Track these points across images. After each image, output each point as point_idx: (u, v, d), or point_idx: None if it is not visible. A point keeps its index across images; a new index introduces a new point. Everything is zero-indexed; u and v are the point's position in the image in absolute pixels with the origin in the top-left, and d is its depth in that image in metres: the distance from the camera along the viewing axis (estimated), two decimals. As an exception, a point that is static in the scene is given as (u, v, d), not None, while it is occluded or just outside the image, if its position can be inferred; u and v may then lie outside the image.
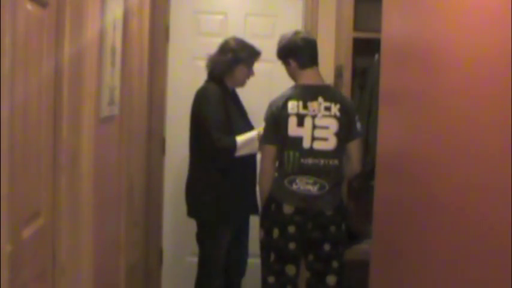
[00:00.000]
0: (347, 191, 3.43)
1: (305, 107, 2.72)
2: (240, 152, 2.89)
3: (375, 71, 3.08)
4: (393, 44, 2.16)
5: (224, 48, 3.04)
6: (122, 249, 2.60)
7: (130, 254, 2.79)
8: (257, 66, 3.14)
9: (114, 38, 2.25)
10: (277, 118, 2.74)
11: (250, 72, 3.08)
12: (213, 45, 3.09)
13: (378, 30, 2.31)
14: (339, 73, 3.47)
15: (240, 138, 2.89)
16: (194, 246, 3.12)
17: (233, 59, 3.00)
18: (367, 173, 3.03)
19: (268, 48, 3.19)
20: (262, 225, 2.82)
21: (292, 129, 2.72)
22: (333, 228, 2.74)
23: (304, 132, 2.71)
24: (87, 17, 1.86)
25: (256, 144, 2.90)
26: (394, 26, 2.16)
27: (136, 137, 2.98)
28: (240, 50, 3.02)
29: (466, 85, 1.42)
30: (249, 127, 3.06)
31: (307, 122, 2.71)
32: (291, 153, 2.72)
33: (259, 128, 2.90)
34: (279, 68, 3.17)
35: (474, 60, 1.37)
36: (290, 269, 2.76)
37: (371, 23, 3.28)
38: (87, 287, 1.94)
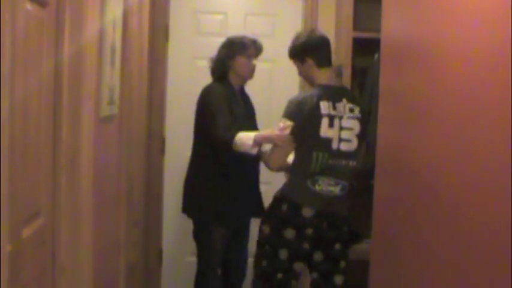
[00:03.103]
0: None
1: (334, 108, 2.71)
2: (236, 148, 2.77)
3: (374, 71, 3.07)
4: (393, 43, 2.16)
5: (220, 47, 3.05)
6: (122, 249, 2.60)
7: (130, 254, 2.79)
8: (257, 66, 3.13)
9: (114, 37, 2.25)
10: (309, 118, 2.68)
11: (251, 63, 3.02)
12: (213, 45, 3.09)
13: (378, 30, 2.31)
14: (338, 73, 3.47)
15: (240, 136, 2.78)
16: (194, 246, 3.12)
17: (228, 54, 2.99)
18: (367, 173, 3.03)
19: (268, 48, 3.19)
20: (267, 221, 2.78)
21: (324, 130, 2.68)
22: (345, 228, 2.77)
23: (333, 134, 2.69)
24: (87, 17, 1.85)
25: (254, 149, 2.77)
26: (393, 25, 2.16)
27: (136, 137, 2.98)
28: (232, 43, 3.01)
29: (466, 85, 1.42)
30: (253, 129, 3.02)
31: (336, 123, 2.70)
32: (320, 154, 2.67)
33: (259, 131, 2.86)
34: (279, 67, 3.17)
35: (474, 60, 1.37)
36: (298, 266, 2.76)
37: (371, 22, 3.28)
38: (87, 287, 1.94)
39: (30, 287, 1.59)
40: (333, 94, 2.73)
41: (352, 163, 2.74)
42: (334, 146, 2.69)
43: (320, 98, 2.69)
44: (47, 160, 1.71)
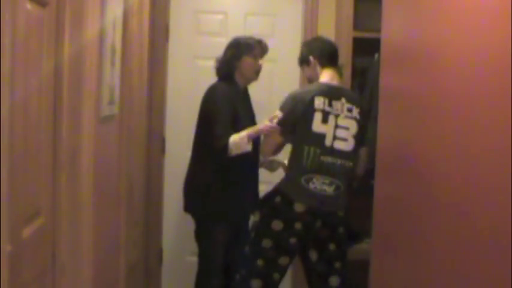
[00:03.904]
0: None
1: (330, 104, 2.73)
2: (233, 152, 2.83)
3: (374, 71, 3.07)
4: (393, 43, 2.16)
5: (226, 47, 3.06)
6: (122, 249, 2.60)
7: (130, 253, 2.79)
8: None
9: (114, 37, 2.25)
10: (302, 112, 2.71)
11: (257, 63, 3.04)
12: (213, 44, 3.10)
13: (378, 30, 2.31)
14: (338, 72, 3.47)
15: (233, 138, 2.82)
16: (194, 246, 3.12)
17: (234, 54, 3.00)
18: (367, 173, 3.03)
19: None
20: (259, 211, 2.81)
21: (317, 125, 2.71)
22: (341, 229, 2.76)
23: (327, 130, 2.71)
24: (87, 17, 1.85)
25: (248, 145, 2.82)
26: (393, 25, 2.16)
27: (136, 137, 2.98)
28: (238, 44, 3.02)
29: (465, 85, 1.42)
30: None
31: (331, 120, 2.72)
32: (312, 149, 2.70)
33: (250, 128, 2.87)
34: (279, 67, 3.17)
35: (474, 60, 1.37)
36: (284, 260, 2.76)
37: (371, 22, 3.28)
38: (87, 287, 1.94)
39: (30, 287, 1.59)
40: (331, 92, 2.76)
41: (348, 164, 2.74)
42: (327, 142, 2.71)
43: (316, 93, 2.74)
44: (47, 160, 1.71)
